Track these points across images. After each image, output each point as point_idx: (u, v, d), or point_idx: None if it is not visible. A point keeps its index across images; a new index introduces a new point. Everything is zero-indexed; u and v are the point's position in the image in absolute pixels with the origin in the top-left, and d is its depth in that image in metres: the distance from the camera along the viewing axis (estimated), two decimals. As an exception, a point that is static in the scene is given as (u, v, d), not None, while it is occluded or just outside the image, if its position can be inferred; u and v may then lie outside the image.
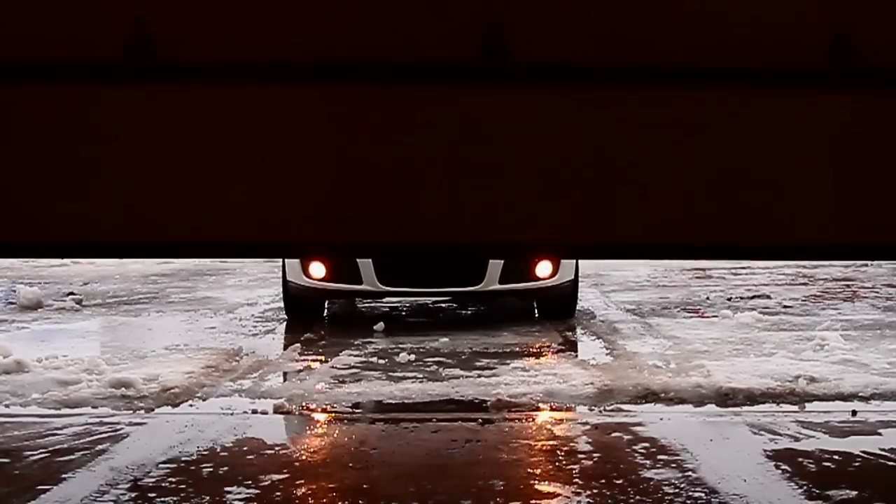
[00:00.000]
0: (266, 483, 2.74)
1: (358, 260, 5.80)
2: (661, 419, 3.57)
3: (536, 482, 2.80)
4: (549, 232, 1.40)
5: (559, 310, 6.33)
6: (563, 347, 5.28)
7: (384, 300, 7.21)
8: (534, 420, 3.63)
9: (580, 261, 6.48)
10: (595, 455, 3.04)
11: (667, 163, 1.35)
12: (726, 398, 3.85)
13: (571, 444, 3.19)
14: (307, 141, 1.36)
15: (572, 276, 6.19)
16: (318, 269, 5.94)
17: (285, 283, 6.23)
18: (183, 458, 3.03)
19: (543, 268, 5.99)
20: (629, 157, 1.35)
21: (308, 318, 6.25)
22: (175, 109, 1.37)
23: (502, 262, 5.84)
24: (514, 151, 1.36)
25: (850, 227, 1.41)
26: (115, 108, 1.38)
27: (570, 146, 1.35)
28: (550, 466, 2.94)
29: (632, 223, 1.38)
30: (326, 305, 6.63)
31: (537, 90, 1.36)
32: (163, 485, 2.74)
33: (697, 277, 9.79)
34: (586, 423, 3.50)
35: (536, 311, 6.54)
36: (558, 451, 3.10)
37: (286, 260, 6.17)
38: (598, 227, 1.39)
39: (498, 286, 5.90)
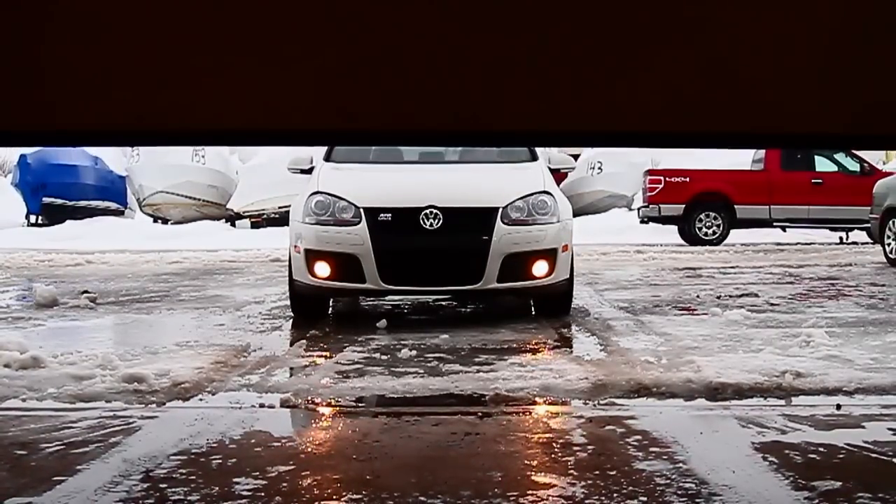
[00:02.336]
0: (273, 474, 2.74)
1: (361, 260, 5.81)
2: (653, 413, 3.57)
3: (533, 473, 2.80)
4: (546, 120, 1.37)
5: (555, 307, 6.34)
6: (558, 344, 5.29)
7: (386, 298, 7.23)
8: (530, 414, 3.63)
9: (575, 260, 6.49)
10: (589, 447, 3.04)
11: (657, 51, 1.33)
12: (716, 392, 3.85)
13: (567, 437, 3.19)
14: (311, 29, 1.33)
15: (567, 275, 6.20)
16: (323, 268, 5.95)
17: (291, 281, 6.24)
18: (193, 451, 3.03)
19: (540, 267, 6.00)
20: (623, 46, 1.33)
21: (313, 316, 6.27)
22: None
23: (501, 261, 5.85)
24: (512, 39, 1.33)
25: (836, 117, 1.38)
26: None
27: (567, 36, 1.33)
28: (546, 458, 2.94)
29: (626, 112, 1.36)
30: (331, 303, 6.64)
31: None
32: (174, 476, 2.74)
33: (688, 276, 9.81)
34: (581, 417, 3.50)
35: (533, 308, 6.55)
36: (554, 444, 3.10)
37: (292, 260, 6.19)
38: (593, 115, 1.37)
39: (496, 285, 5.90)
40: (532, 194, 6.09)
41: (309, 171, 6.69)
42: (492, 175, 6.56)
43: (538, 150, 7.13)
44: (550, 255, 6.03)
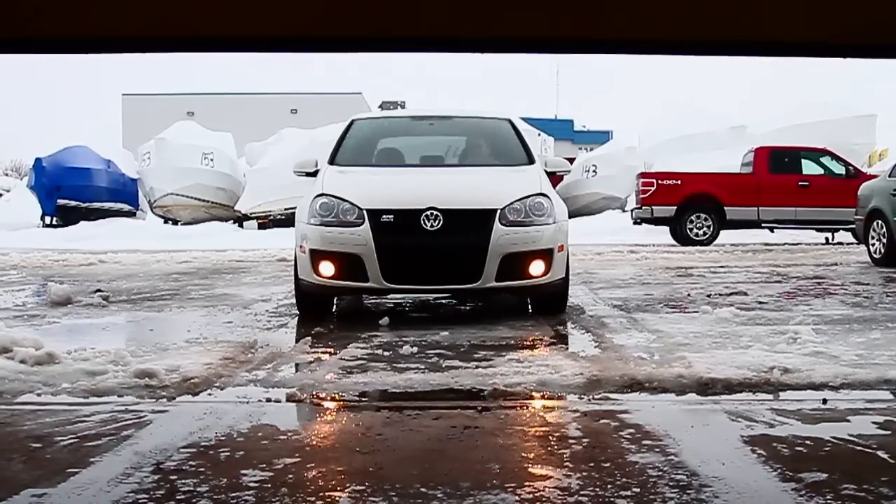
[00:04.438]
0: (279, 466, 2.74)
1: (364, 260, 5.80)
2: (646, 407, 3.57)
3: (530, 465, 2.80)
4: (545, 27, 1.33)
5: (551, 306, 6.33)
6: (554, 341, 5.28)
7: (388, 297, 7.22)
8: (528, 408, 3.63)
9: (570, 260, 6.48)
10: (584, 440, 3.04)
11: None
12: (706, 387, 3.84)
13: (562, 430, 3.19)
14: None
15: (563, 275, 6.19)
16: (327, 267, 5.95)
17: (297, 280, 6.23)
18: (202, 444, 3.03)
19: (537, 267, 5.99)
20: None
21: (318, 314, 6.26)
22: None
23: (499, 261, 5.84)
24: None
25: (826, 26, 1.34)
26: None
27: None
28: (543, 451, 2.94)
29: (619, 17, 1.32)
30: (335, 301, 6.63)
31: None
32: (183, 468, 2.74)
33: (679, 276, 9.80)
34: (576, 411, 3.50)
35: (530, 307, 6.54)
36: (550, 437, 3.10)
37: (298, 260, 6.18)
38: (586, 21, 1.33)
39: (494, 283, 5.89)
40: (529, 196, 6.08)
41: (314, 174, 6.68)
42: (490, 178, 6.55)
43: (535, 153, 7.13)
44: (547, 255, 6.02)
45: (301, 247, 6.10)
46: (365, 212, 5.87)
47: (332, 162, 6.80)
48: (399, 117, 8.99)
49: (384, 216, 5.86)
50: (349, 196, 5.99)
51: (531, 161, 6.85)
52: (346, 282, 5.96)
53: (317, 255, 5.95)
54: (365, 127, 7.54)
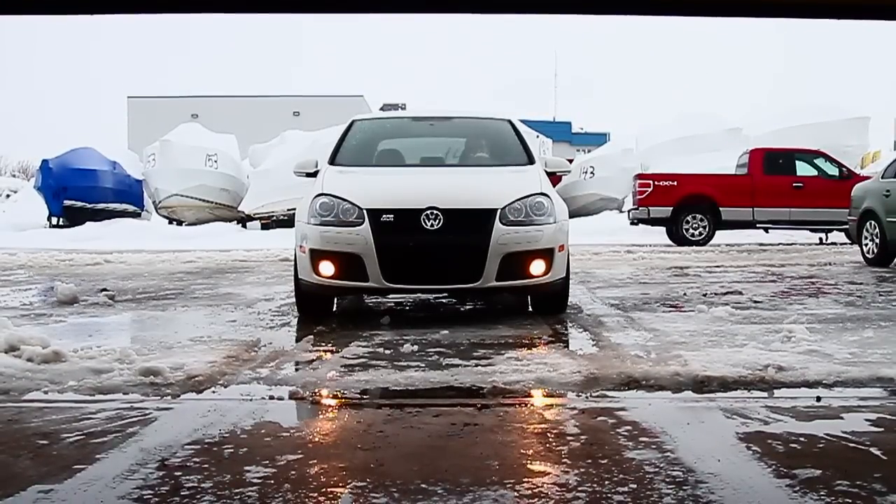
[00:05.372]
0: (282, 463, 2.74)
1: (364, 259, 5.78)
2: (643, 404, 3.57)
3: (529, 462, 2.80)
4: None
5: (552, 305, 6.31)
6: (553, 339, 5.27)
7: (389, 296, 7.22)
8: (526, 405, 3.63)
9: (570, 261, 6.47)
10: (582, 437, 3.04)
11: None
12: (702, 385, 3.85)
13: (560, 427, 3.19)
14: None
15: (564, 274, 6.16)
16: (327, 267, 5.92)
17: (297, 280, 6.20)
18: (206, 440, 3.03)
19: (537, 266, 5.97)
20: None
21: (318, 314, 6.24)
22: None
23: (499, 261, 5.82)
24: None
25: None
26: None
27: None
28: (541, 447, 2.94)
29: None
30: (336, 301, 6.63)
31: None
32: (188, 464, 2.74)
33: (676, 276, 9.80)
34: (574, 408, 3.50)
35: (530, 306, 6.53)
36: (549, 434, 3.10)
37: (298, 260, 6.15)
38: None
39: (495, 283, 5.87)
40: (529, 196, 6.06)
41: (314, 175, 6.65)
42: (490, 178, 6.53)
43: (535, 154, 7.12)
44: (547, 254, 5.99)
45: (301, 247, 6.08)
46: (365, 211, 5.85)
47: (332, 162, 6.79)
48: (399, 118, 8.97)
49: (384, 216, 5.84)
50: (349, 196, 5.97)
51: (531, 161, 6.84)
52: (347, 281, 5.93)
53: (317, 255, 5.93)
54: (365, 127, 7.52)
